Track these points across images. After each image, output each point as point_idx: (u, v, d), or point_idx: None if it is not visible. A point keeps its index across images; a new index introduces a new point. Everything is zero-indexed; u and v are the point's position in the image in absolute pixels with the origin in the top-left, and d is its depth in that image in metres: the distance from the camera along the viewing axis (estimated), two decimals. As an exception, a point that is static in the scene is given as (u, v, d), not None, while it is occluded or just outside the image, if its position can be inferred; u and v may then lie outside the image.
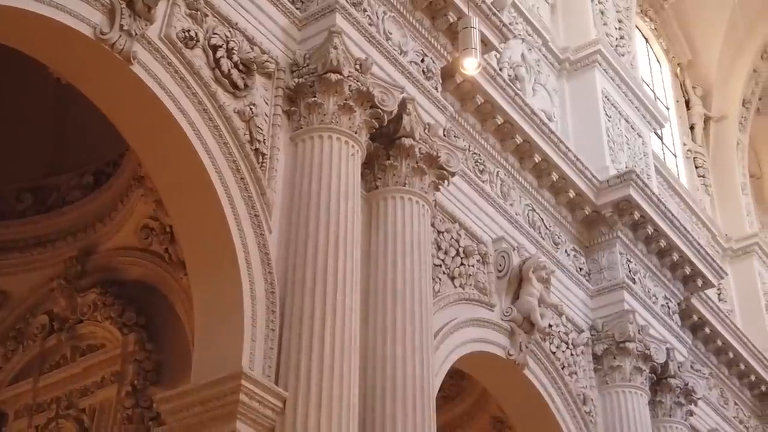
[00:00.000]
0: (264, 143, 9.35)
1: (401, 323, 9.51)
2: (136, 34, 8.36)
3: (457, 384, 14.37)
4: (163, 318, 11.88)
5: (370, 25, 10.51)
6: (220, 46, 9.16)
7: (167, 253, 11.55)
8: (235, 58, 9.29)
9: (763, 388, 18.54)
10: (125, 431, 11.63)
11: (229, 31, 9.34)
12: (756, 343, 18.41)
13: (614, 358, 13.52)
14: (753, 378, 18.28)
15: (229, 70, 9.19)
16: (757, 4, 21.71)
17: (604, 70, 15.97)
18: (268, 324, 8.57)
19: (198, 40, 9.00)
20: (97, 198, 12.59)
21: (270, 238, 9.00)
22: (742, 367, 17.99)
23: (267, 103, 9.59)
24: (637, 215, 14.35)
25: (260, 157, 9.27)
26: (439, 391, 10.36)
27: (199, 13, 9.10)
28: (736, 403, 18.07)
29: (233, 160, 8.95)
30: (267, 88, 9.63)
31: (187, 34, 8.89)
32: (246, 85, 9.34)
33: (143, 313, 12.15)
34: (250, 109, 9.31)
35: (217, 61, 9.11)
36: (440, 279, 11.22)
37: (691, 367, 15.19)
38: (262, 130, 9.37)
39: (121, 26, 8.26)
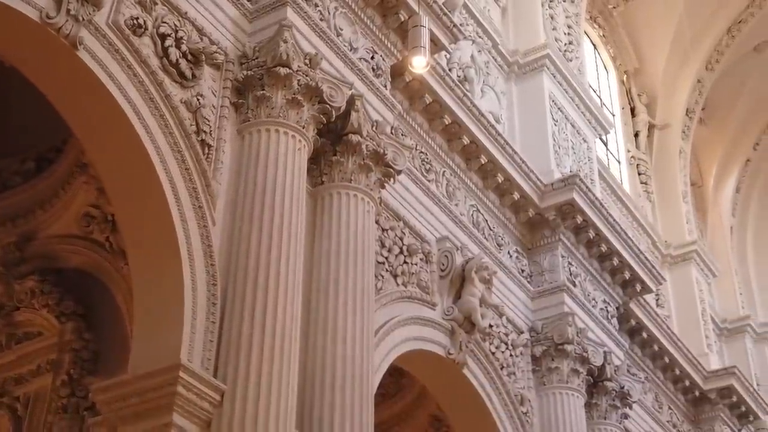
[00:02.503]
0: (210, 134, 9.29)
1: (342, 319, 9.52)
2: (83, 19, 8.26)
3: (397, 382, 14.40)
4: (102, 307, 11.73)
5: (321, 20, 10.50)
6: (169, 35, 9.08)
7: (108, 242, 11.41)
8: (184, 47, 9.21)
9: (697, 393, 18.86)
10: (60, 421, 11.47)
11: (179, 20, 9.26)
12: (691, 348, 18.72)
13: (552, 359, 13.67)
14: (687, 383, 18.59)
15: (177, 60, 9.11)
16: (703, 16, 22.07)
17: (552, 74, 16.12)
18: (208, 316, 8.52)
19: (146, 28, 8.91)
20: (38, 184, 12.37)
21: (213, 230, 8.94)
22: (677, 372, 18.28)
23: (215, 95, 9.53)
24: (579, 219, 14.51)
25: (206, 149, 9.21)
26: (378, 388, 10.40)
27: (148, 0, 9.00)
28: (670, 408, 18.36)
29: (178, 150, 8.87)
30: (215, 80, 9.57)
31: (135, 21, 8.80)
32: (194, 76, 9.28)
33: (82, 302, 11.99)
34: (198, 99, 9.25)
35: (165, 50, 9.03)
36: (383, 276, 11.25)
37: (628, 370, 15.41)
38: (209, 121, 9.31)
39: (68, 11, 8.15)
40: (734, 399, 19.21)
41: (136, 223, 8.86)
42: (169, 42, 9.06)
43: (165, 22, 9.08)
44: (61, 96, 8.78)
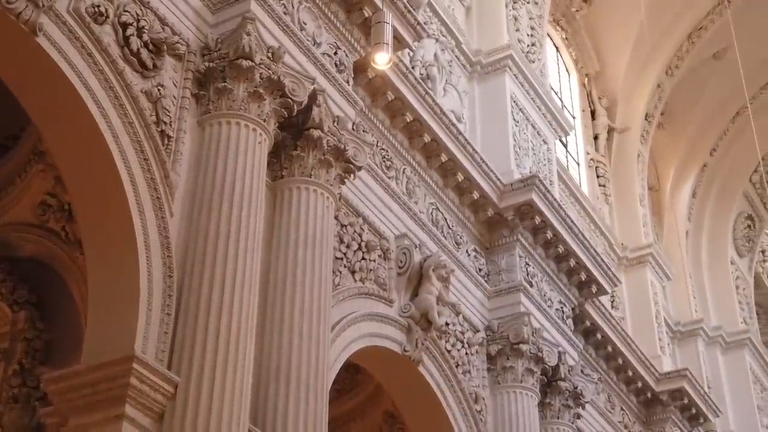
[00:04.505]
0: (170, 125, 9.23)
1: (299, 314, 9.51)
2: (43, 5, 8.15)
3: (352, 378, 14.41)
4: (56, 297, 11.62)
5: (284, 13, 10.47)
6: (131, 24, 9.00)
7: (64, 231, 11.30)
8: (146, 37, 9.14)
9: (649, 394, 19.07)
10: (10, 411, 11.34)
11: (141, 10, 9.18)
12: (645, 350, 18.92)
13: (507, 358, 13.75)
14: (639, 384, 18.79)
15: (138, 49, 9.03)
16: (664, 22, 22.28)
17: (515, 75, 16.20)
18: (164, 308, 8.47)
19: (108, 16, 8.82)
20: (-6, 171, 12.24)
21: (171, 221, 8.89)
22: (630, 373, 18.47)
23: (176, 86, 9.46)
24: (537, 220, 14.60)
25: (165, 140, 9.14)
26: (333, 384, 10.40)
27: (110, -12, 8.93)
28: (622, 409, 18.54)
29: (137, 140, 8.81)
30: (176, 70, 9.50)
31: (96, 9, 8.71)
32: (155, 66, 9.21)
33: (36, 291, 11.87)
34: (158, 90, 9.18)
35: (126, 39, 8.95)
36: (341, 272, 11.25)
37: (581, 371, 15.54)
38: (169, 112, 9.24)
39: (29, -4, 8.06)
40: (685, 401, 19.44)
41: (93, 212, 8.78)
42: (130, 31, 8.98)
43: (127, 11, 9.00)
44: (20, 82, 8.68)
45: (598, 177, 22.25)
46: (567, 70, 22.61)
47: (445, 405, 12.56)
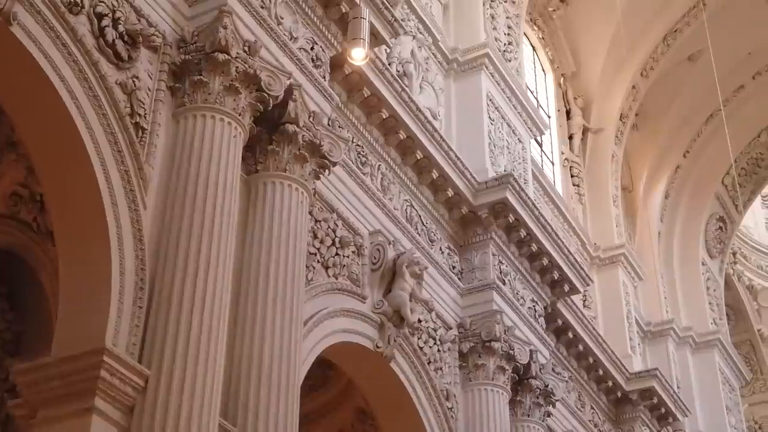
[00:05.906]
0: (145, 118, 9.19)
1: (271, 309, 9.50)
2: (18, -6, 8.11)
3: (324, 373, 14.39)
4: (27, 288, 11.55)
5: (261, 7, 10.45)
6: (106, 15, 8.95)
7: (35, 222, 11.24)
8: (121, 28, 9.09)
9: (619, 393, 19.18)
10: (-22, 403, 11.26)
11: (117, 1, 9.12)
12: (615, 350, 19.03)
13: (479, 356, 13.79)
14: (610, 383, 18.90)
15: (113, 41, 8.99)
16: (640, 23, 22.39)
17: (491, 74, 16.24)
18: (135, 301, 8.44)
19: (83, 7, 8.77)
20: (-35, 161, 12.13)
21: (144, 214, 8.85)
22: (601, 372, 18.57)
23: (151, 78, 9.42)
24: (511, 218, 14.65)
25: (140, 132, 9.10)
26: (305, 380, 10.39)
27: (85, -22, 8.88)
28: (592, 407, 18.65)
29: (111, 132, 8.76)
30: (152, 62, 9.46)
31: (72, -1, 8.67)
32: (130, 57, 9.16)
33: (6, 282, 11.79)
34: (133, 81, 9.14)
35: (101, 29, 8.90)
36: (314, 267, 11.25)
37: (552, 369, 15.61)
38: (144, 104, 9.20)
39: (3, -15, 7.99)
40: (655, 401, 19.56)
41: (65, 204, 8.73)
42: (105, 22, 8.93)
43: (102, 2, 8.95)
44: (-8, 72, 8.61)
45: (572, 177, 22.34)
46: (543, 70, 22.68)
47: (416, 402, 12.59)
